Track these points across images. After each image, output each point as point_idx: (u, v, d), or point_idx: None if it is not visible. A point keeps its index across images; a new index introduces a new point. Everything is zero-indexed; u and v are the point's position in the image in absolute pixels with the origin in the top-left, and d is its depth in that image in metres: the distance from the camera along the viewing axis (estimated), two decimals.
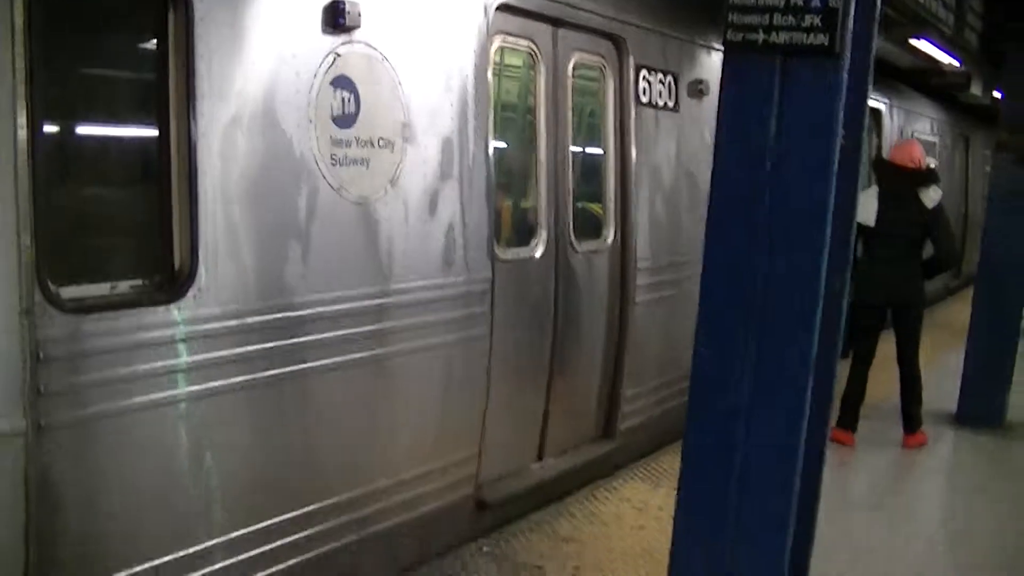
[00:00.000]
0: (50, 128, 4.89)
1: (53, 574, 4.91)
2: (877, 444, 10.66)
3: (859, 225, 10.10)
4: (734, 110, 4.46)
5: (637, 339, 9.35)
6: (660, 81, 9.58)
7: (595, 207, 9.15)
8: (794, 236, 4.45)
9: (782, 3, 4.22)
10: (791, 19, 4.22)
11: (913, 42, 13.46)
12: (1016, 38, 12.00)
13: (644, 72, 9.32)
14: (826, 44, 4.21)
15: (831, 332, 4.76)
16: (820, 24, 4.19)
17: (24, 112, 4.64)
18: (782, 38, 4.24)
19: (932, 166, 11.77)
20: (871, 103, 15.16)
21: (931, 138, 20.06)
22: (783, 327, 4.57)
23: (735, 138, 4.47)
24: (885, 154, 12.32)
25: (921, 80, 18.09)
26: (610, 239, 9.13)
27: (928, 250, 10.64)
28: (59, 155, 5.03)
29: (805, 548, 5.25)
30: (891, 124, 16.90)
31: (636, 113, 9.18)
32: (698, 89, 10.09)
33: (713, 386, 4.84)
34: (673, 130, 9.75)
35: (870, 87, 4.69)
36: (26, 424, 4.71)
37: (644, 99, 9.29)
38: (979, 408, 11.81)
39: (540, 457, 8.60)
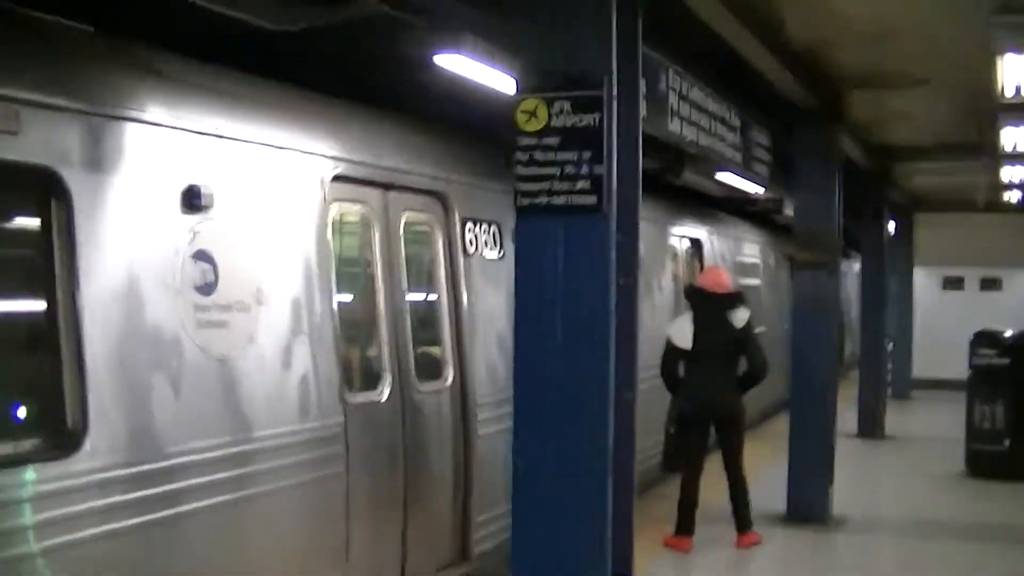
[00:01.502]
0: None
1: None
2: (713, 546, 11.58)
3: (677, 348, 11.19)
4: (528, 260, 5.41)
5: (482, 468, 10.16)
6: (485, 231, 10.54)
7: (434, 350, 10.01)
8: (584, 358, 5.36)
9: (558, 172, 5.20)
10: (567, 185, 5.19)
11: (719, 175, 14.68)
12: (801, 163, 13.27)
13: (469, 224, 10.28)
14: (595, 204, 5.19)
15: (626, 434, 5.65)
16: (589, 187, 5.18)
17: None
18: (560, 201, 5.22)
19: (738, 289, 12.85)
20: (691, 233, 16.32)
21: (754, 259, 21.35)
22: (581, 431, 5.44)
23: (530, 281, 5.41)
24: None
25: (740, 207, 19.43)
26: (450, 379, 9.99)
27: (743, 365, 11.68)
28: None
29: None
30: (712, 250, 18.03)
31: (465, 262, 10.11)
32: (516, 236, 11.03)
33: (528, 490, 5.67)
34: (500, 274, 10.66)
35: (638, 236, 5.62)
36: None
37: (471, 249, 10.24)
38: (805, 506, 12.84)
39: None
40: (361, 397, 8.78)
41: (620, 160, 5.36)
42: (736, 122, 11.99)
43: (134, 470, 6.45)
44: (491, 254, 10.63)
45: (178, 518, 6.74)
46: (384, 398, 9.04)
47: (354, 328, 9.12)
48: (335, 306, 8.33)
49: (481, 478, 10.15)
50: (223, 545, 7.15)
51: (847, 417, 18.34)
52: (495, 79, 8.97)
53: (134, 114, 6.67)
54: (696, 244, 17.40)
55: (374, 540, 8.84)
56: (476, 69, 8.85)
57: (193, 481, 6.85)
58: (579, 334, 5.35)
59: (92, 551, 6.18)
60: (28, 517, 5.79)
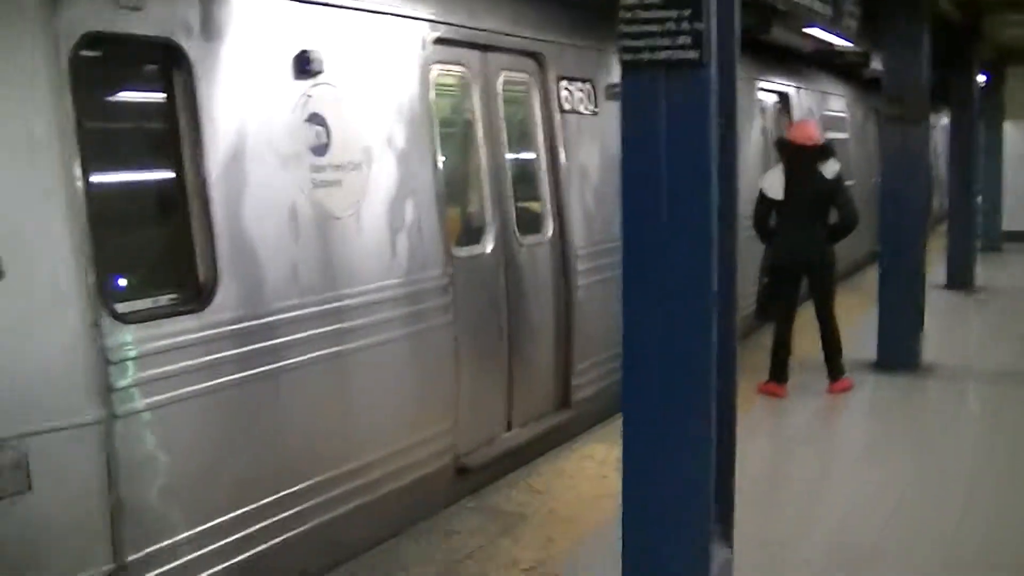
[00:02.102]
0: (96, 177, 6.02)
1: (128, 533, 6.05)
2: (806, 393, 11.93)
3: (769, 199, 11.43)
4: (632, 113, 5.71)
5: (582, 318, 10.58)
6: (579, 89, 10.83)
7: (534, 205, 10.37)
8: (686, 203, 5.67)
9: (661, 29, 5.48)
10: (668, 41, 5.47)
11: (807, 30, 14.74)
12: (889, 17, 13.31)
13: (564, 83, 10.57)
14: (696, 58, 5.48)
15: (728, 278, 5.96)
16: (690, 43, 5.45)
17: (77, 163, 5.81)
18: (663, 56, 5.50)
19: (828, 142, 13.04)
20: (779, 88, 16.38)
21: (842, 114, 21.38)
22: (685, 279, 5.76)
23: (635, 134, 5.71)
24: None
25: (828, 62, 19.40)
26: (550, 232, 10.37)
27: (833, 216, 11.91)
28: (105, 199, 6.15)
29: (728, 470, 6.41)
30: (799, 105, 18.14)
31: (561, 119, 10.42)
32: (614, 92, 11.24)
33: (637, 344, 6.01)
34: (595, 131, 10.97)
35: (735, 85, 5.88)
36: (104, 414, 5.87)
37: (567, 106, 10.54)
38: (896, 354, 13.10)
39: (509, 428, 9.80)
40: (466, 251, 9.21)
41: (718, 16, 5.61)
42: None
43: (260, 321, 6.91)
44: (586, 111, 10.91)
45: (299, 367, 7.21)
46: (488, 251, 9.45)
47: (457, 185, 9.50)
48: (439, 164, 8.69)
49: (580, 327, 10.57)
50: (338, 392, 7.63)
51: (936, 270, 18.42)
52: None
53: None
54: (784, 99, 17.52)
55: (481, 388, 9.33)
56: None
57: (313, 331, 7.30)
58: (683, 180, 5.65)
59: (227, 397, 6.69)
60: (170, 366, 6.28)
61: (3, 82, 5.63)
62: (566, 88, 10.58)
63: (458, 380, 8.82)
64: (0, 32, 5.63)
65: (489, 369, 9.50)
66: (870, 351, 13.18)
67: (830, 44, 16.24)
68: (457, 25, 9.01)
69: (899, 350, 13.12)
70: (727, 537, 6.51)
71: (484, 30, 9.44)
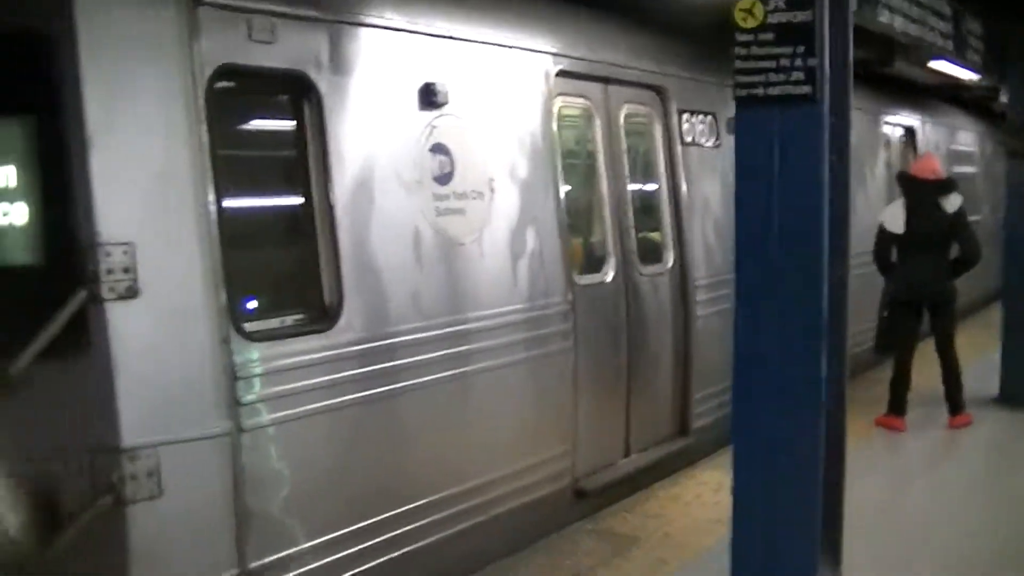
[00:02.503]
0: (229, 202, 6.33)
1: (252, 540, 6.33)
2: (925, 426, 11.89)
3: (890, 233, 11.46)
4: (746, 148, 5.90)
5: (700, 348, 10.72)
6: (701, 121, 11.01)
7: (655, 235, 10.55)
8: (797, 235, 5.82)
9: (774, 65, 5.66)
10: (781, 76, 5.65)
11: (931, 64, 14.72)
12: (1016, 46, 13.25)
13: (686, 115, 10.75)
14: (809, 93, 5.64)
15: (839, 310, 6.09)
16: (803, 78, 5.62)
17: (211, 189, 6.13)
18: (776, 91, 5.68)
19: (950, 176, 13.00)
20: (904, 121, 16.31)
21: (970, 148, 21.19)
22: (795, 310, 5.91)
23: (748, 167, 5.90)
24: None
25: (957, 96, 19.25)
26: (670, 262, 10.54)
27: (954, 251, 11.89)
28: (236, 223, 6.46)
29: (836, 497, 6.51)
30: (924, 138, 18.07)
31: (682, 151, 10.60)
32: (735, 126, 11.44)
33: (747, 372, 6.16)
34: (716, 163, 11.13)
35: (849, 122, 6.01)
36: (231, 427, 6.17)
37: (688, 139, 10.73)
38: (1019, 389, 12.97)
39: (627, 453, 9.97)
40: (587, 279, 9.41)
41: (832, 52, 5.77)
42: (947, 10, 12.09)
43: (379, 344, 7.17)
44: (707, 143, 11.08)
45: (420, 387, 7.47)
46: (609, 279, 9.64)
47: (580, 214, 9.73)
48: (561, 194, 8.93)
49: (699, 356, 10.71)
50: (459, 413, 7.88)
51: None
52: None
53: (374, 20, 7.31)
54: (910, 132, 17.48)
55: (600, 413, 9.50)
56: None
57: (434, 354, 7.56)
58: (794, 214, 5.81)
59: (349, 415, 6.96)
60: (294, 383, 6.56)
61: (143, 112, 5.99)
62: (688, 121, 10.76)
63: (577, 405, 9.02)
64: (140, 65, 5.99)
65: (608, 395, 9.68)
66: (991, 386, 13.07)
67: (956, 78, 16.18)
68: (580, 59, 9.25)
69: (1022, 385, 12.99)
70: (835, 563, 6.61)
71: (607, 63, 9.66)
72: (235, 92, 6.50)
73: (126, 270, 5.81)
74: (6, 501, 6.10)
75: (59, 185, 5.88)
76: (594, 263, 9.70)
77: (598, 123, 9.68)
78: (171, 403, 6.00)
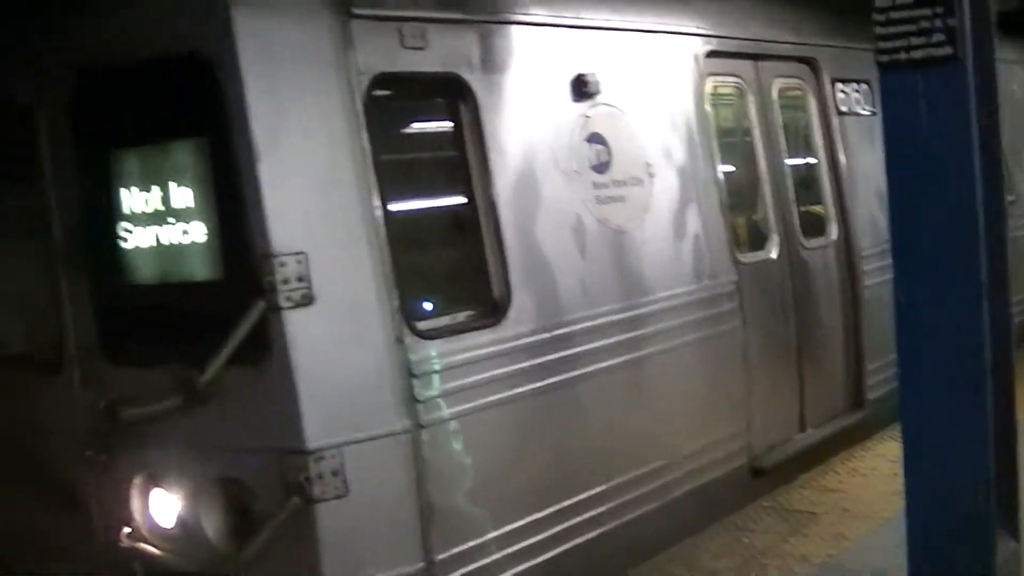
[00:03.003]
0: (393, 205, 6.53)
1: (436, 533, 6.51)
2: None
3: None
4: (892, 113, 5.87)
5: (871, 319, 10.64)
6: (855, 90, 10.93)
7: (817, 208, 10.52)
8: (950, 199, 5.78)
9: (915, 28, 5.64)
10: (922, 39, 5.62)
11: None
12: None
13: (839, 84, 10.69)
14: (951, 53, 5.61)
15: (999, 274, 6.00)
16: (945, 39, 5.59)
17: (376, 194, 6.33)
18: (918, 55, 5.66)
19: None
20: None
21: None
22: (953, 273, 5.86)
23: (896, 134, 5.88)
24: None
25: None
26: (834, 235, 10.51)
27: None
28: (402, 225, 6.65)
29: (1010, 462, 6.42)
30: None
31: (838, 121, 10.55)
32: None
33: (909, 338, 6.12)
34: (873, 130, 11.02)
35: (996, 78, 5.95)
36: (410, 424, 6.36)
37: (843, 108, 10.67)
38: None
39: (802, 429, 9.97)
40: (751, 256, 9.44)
41: (972, 9, 5.72)
42: None
43: (549, 335, 7.32)
44: (864, 111, 11.00)
45: (592, 375, 7.59)
46: (773, 256, 9.66)
47: (739, 193, 9.74)
48: (720, 174, 8.99)
49: (870, 327, 10.64)
50: (633, 398, 7.98)
51: None
52: None
53: (521, 17, 7.47)
54: None
55: (773, 390, 9.52)
56: None
57: (601, 343, 7.68)
58: (946, 174, 5.78)
59: (525, 405, 7.12)
60: (469, 378, 6.74)
61: (306, 122, 6.23)
62: (842, 90, 10.70)
63: (750, 383, 9.06)
64: (300, 80, 6.23)
65: (780, 372, 9.70)
66: None
67: None
68: (729, 38, 9.30)
69: None
70: (1013, 529, 6.53)
71: (756, 40, 9.69)
72: (392, 98, 6.70)
73: (300, 279, 6.04)
74: (203, 506, 6.41)
75: (232, 201, 6.16)
76: (757, 240, 9.72)
77: (751, 100, 9.70)
78: (352, 404, 6.22)
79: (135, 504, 6.76)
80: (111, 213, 6.72)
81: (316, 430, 6.08)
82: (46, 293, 7.16)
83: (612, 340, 7.73)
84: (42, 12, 7.00)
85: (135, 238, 6.65)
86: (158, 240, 6.55)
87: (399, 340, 6.35)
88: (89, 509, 7.01)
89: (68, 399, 6.98)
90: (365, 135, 6.34)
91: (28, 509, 7.35)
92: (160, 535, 6.70)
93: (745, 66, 9.67)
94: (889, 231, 6.07)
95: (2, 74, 7.18)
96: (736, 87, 9.65)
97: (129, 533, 6.77)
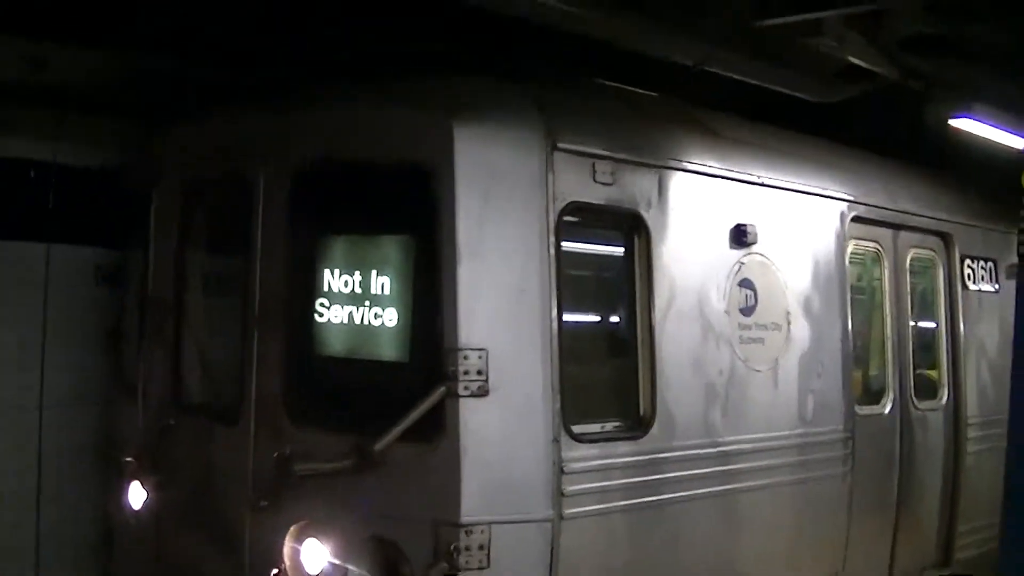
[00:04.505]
0: (568, 317, 7.32)
1: None
2: None
3: None
4: None
5: (968, 483, 11.23)
6: (982, 267, 11.63)
7: (931, 373, 11.19)
8: None
9: None
10: None
11: None
12: None
13: (968, 260, 11.42)
14: None
15: None
16: None
17: (555, 306, 7.14)
18: None
19: None
20: None
21: None
22: None
23: None
24: None
25: None
26: (944, 399, 11.15)
27: None
28: (572, 336, 7.43)
29: None
30: None
31: (963, 294, 11.27)
32: (1015, 272, 11.91)
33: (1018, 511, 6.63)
34: (994, 307, 11.69)
35: None
36: (553, 514, 7.09)
37: (969, 283, 11.38)
38: None
39: None
40: (867, 409, 10.08)
41: None
42: None
43: (682, 453, 8.00)
44: (987, 288, 11.69)
45: (713, 496, 8.27)
46: (886, 411, 10.33)
47: (863, 349, 10.43)
48: (849, 329, 9.70)
49: (967, 490, 11.23)
50: (743, 526, 8.62)
51: None
52: (1001, 136, 10.06)
53: (695, 167, 8.28)
54: None
55: (868, 538, 10.09)
56: (985, 130, 9.98)
57: (729, 467, 8.36)
58: None
59: (650, 514, 7.80)
60: (609, 481, 7.46)
61: (505, 234, 7.08)
62: (969, 266, 11.41)
63: (849, 527, 9.67)
64: (505, 196, 7.11)
65: (878, 520, 10.27)
66: None
67: None
68: (874, 206, 10.09)
69: None
70: None
71: (898, 211, 10.47)
72: (578, 224, 7.51)
73: (479, 372, 6.84)
74: (353, 560, 7.12)
75: (428, 295, 7.00)
76: (872, 395, 10.37)
77: (886, 265, 10.45)
78: (505, 488, 6.97)
79: (287, 549, 7.44)
80: (311, 290, 7.55)
81: (471, 506, 6.81)
82: (237, 349, 7.97)
83: (738, 467, 8.41)
84: (266, 99, 8.02)
85: (330, 314, 7.47)
86: (351, 319, 7.37)
87: (556, 440, 7.09)
88: (244, 548, 7.76)
89: (243, 447, 7.76)
90: (553, 253, 7.15)
91: (193, 543, 8.15)
92: None
93: (885, 234, 10.42)
94: (1010, 409, 6.65)
95: (231, 149, 8.12)
96: (874, 251, 10.38)
97: (276, 574, 7.46)
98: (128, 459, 8.73)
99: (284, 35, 9.19)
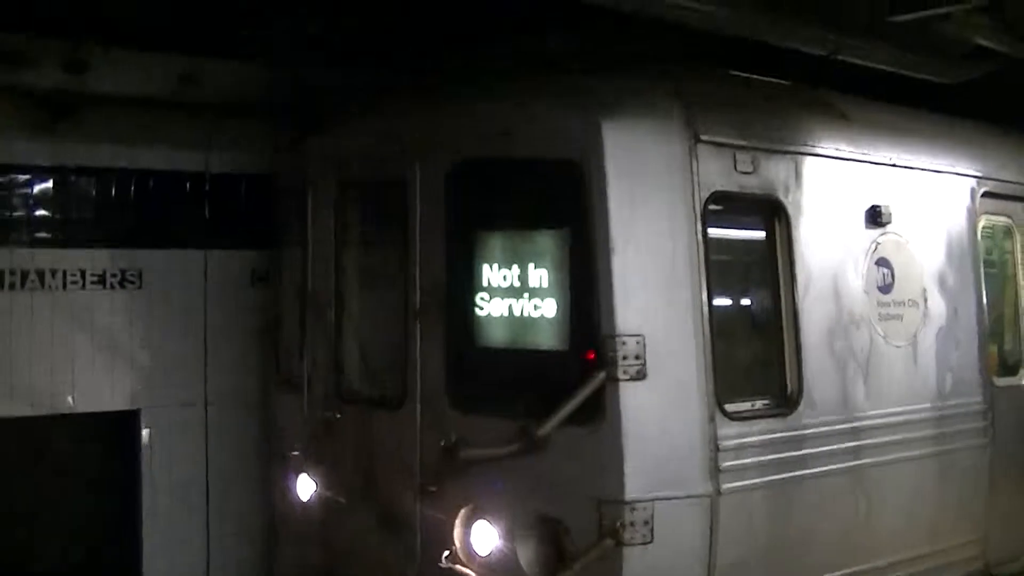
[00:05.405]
0: (717, 300, 7.66)
1: None
2: None
3: None
4: None
5: None
6: None
7: None
8: None
9: None
10: None
11: None
12: None
13: None
14: None
15: None
16: None
17: (705, 291, 7.48)
18: None
19: None
20: None
21: None
22: None
23: None
24: None
25: None
26: None
27: None
28: (722, 318, 7.76)
29: None
30: None
31: None
32: None
33: None
34: None
35: None
36: (712, 489, 7.44)
37: None
38: None
39: None
40: (1004, 381, 10.27)
41: None
42: None
43: (830, 428, 8.30)
44: None
45: (860, 468, 8.53)
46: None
47: (997, 321, 10.59)
48: (984, 304, 9.91)
49: None
50: (890, 494, 8.84)
51: None
52: None
53: (829, 152, 8.57)
54: None
55: (1013, 505, 10.26)
56: None
57: (873, 440, 8.61)
58: None
59: (798, 488, 8.09)
60: (761, 457, 7.78)
61: (654, 224, 7.43)
62: None
63: (991, 496, 9.86)
64: (653, 188, 7.47)
65: (1018, 489, 10.39)
66: None
67: None
68: (1004, 181, 10.29)
69: None
70: None
71: None
72: (722, 212, 7.82)
73: (637, 357, 7.19)
74: (521, 539, 7.50)
75: (584, 285, 7.36)
76: (1008, 367, 10.55)
77: (1018, 239, 10.64)
78: (666, 466, 7.31)
79: (457, 532, 7.85)
80: (470, 284, 7.94)
81: (635, 484, 7.17)
82: (398, 342, 8.39)
83: (883, 440, 8.66)
84: (418, 98, 8.51)
85: (490, 307, 7.86)
86: (511, 311, 7.76)
87: (711, 418, 7.43)
88: (414, 532, 8.18)
89: (409, 436, 8.18)
90: (700, 240, 7.49)
91: (362, 526, 8.60)
92: (477, 561, 7.79)
93: (1016, 207, 10.61)
94: None
95: (385, 148, 8.59)
96: (1005, 225, 10.57)
97: (448, 555, 7.86)
98: (294, 452, 9.22)
99: (415, 33, 9.65)
